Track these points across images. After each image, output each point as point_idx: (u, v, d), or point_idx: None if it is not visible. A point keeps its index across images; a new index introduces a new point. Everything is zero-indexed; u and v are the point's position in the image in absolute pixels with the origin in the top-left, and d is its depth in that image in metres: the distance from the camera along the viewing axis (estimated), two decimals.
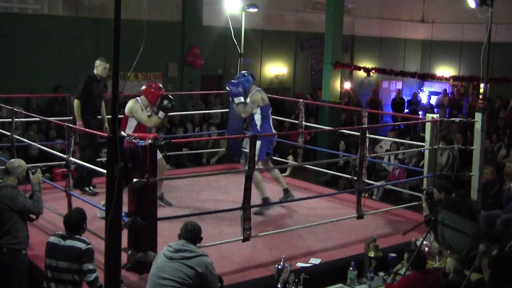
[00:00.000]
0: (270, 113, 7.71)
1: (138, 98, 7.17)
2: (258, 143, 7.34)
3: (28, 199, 5.33)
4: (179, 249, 4.40)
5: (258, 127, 7.52)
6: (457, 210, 6.51)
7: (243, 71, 7.87)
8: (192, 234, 4.49)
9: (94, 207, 5.85)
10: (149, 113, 7.08)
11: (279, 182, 7.81)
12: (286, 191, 7.75)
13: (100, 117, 8.12)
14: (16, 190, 5.31)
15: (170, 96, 7.28)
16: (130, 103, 7.12)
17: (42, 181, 5.61)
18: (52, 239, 4.78)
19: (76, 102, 7.85)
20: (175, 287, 4.30)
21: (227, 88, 7.62)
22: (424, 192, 6.95)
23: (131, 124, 7.04)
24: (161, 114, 7.09)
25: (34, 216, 5.55)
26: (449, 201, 6.60)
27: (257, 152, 6.91)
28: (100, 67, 7.98)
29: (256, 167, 6.88)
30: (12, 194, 5.25)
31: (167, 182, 8.14)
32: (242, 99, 7.50)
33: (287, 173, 9.60)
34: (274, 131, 7.91)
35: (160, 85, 7.36)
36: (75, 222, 4.76)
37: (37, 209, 5.35)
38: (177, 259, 4.36)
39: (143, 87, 7.21)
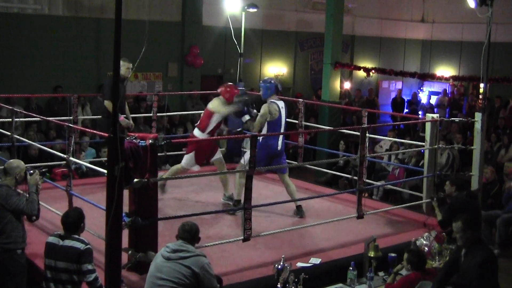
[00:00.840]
0: (281, 127, 7.32)
1: (220, 97, 7.59)
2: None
3: (23, 200, 5.32)
4: (176, 249, 4.42)
5: (259, 139, 7.12)
6: (462, 210, 6.49)
7: (269, 78, 7.72)
8: (189, 234, 4.51)
9: (94, 207, 5.84)
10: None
11: (291, 197, 7.44)
12: (298, 208, 7.45)
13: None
14: (11, 190, 5.31)
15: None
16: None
17: (42, 182, 5.60)
18: (51, 239, 4.78)
19: (107, 103, 7.85)
20: (172, 287, 4.31)
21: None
22: (435, 198, 6.93)
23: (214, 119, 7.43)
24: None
25: (34, 217, 5.53)
26: (458, 199, 6.57)
27: (246, 160, 6.78)
28: (123, 68, 7.90)
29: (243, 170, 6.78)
30: (7, 193, 5.25)
31: (168, 182, 8.14)
32: (247, 117, 7.34)
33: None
34: (279, 147, 7.35)
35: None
36: (72, 221, 4.75)
37: (30, 210, 5.32)
38: (174, 260, 4.37)
39: (223, 88, 7.62)
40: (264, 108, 7.25)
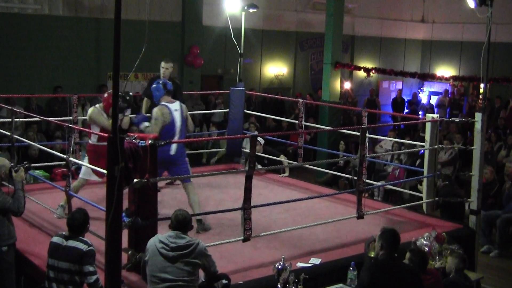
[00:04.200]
0: (176, 132, 6.67)
1: (97, 105, 6.89)
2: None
3: (9, 198, 5.29)
4: (174, 247, 4.55)
5: None
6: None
7: (157, 79, 7.01)
8: (183, 224, 4.69)
9: (95, 207, 5.85)
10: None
11: (192, 209, 6.61)
12: (199, 221, 6.70)
13: None
14: None
15: (126, 95, 6.78)
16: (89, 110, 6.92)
17: (28, 178, 5.56)
18: (55, 239, 4.80)
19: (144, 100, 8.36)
20: (182, 285, 4.50)
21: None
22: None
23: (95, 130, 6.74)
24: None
25: (19, 213, 5.46)
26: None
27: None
28: (162, 69, 7.83)
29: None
30: None
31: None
32: (146, 124, 6.65)
33: (286, 173, 9.58)
34: (172, 152, 6.64)
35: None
36: (78, 224, 4.78)
37: (17, 207, 5.31)
38: (177, 259, 4.51)
39: (105, 95, 6.89)
40: (155, 112, 6.59)
